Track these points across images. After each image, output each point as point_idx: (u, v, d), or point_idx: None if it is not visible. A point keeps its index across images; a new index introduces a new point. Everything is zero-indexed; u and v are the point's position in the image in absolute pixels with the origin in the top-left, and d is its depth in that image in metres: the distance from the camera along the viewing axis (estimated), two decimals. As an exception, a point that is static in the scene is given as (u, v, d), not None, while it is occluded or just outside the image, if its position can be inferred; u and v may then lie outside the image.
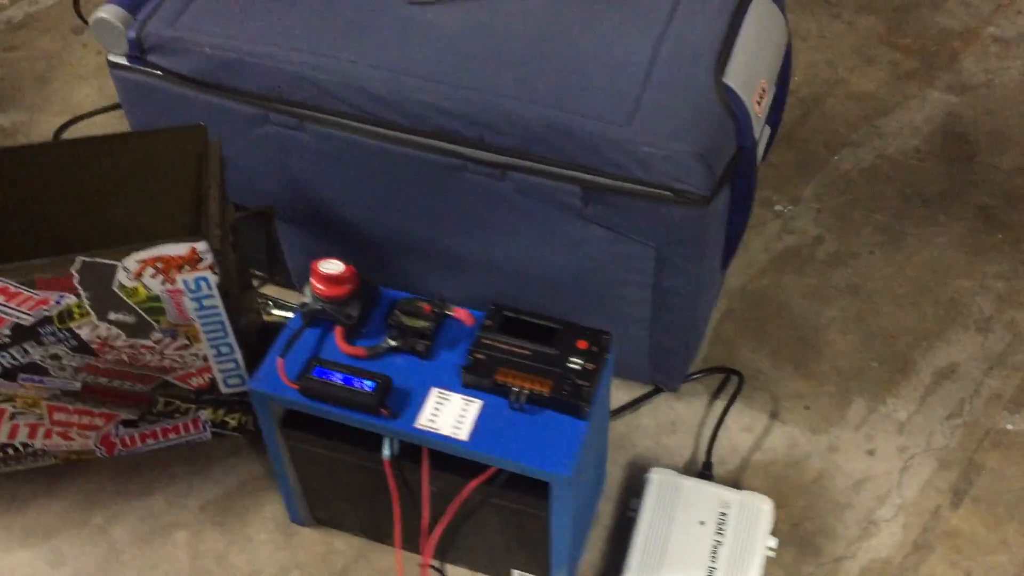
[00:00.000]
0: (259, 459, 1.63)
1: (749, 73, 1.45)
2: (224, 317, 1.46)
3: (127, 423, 1.58)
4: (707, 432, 1.63)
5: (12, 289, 1.34)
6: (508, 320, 1.34)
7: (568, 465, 1.23)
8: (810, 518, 1.54)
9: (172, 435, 1.62)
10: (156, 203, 1.57)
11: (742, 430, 1.64)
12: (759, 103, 1.46)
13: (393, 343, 1.34)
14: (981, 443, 1.62)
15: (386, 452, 1.32)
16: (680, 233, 1.40)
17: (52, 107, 2.20)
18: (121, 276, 1.36)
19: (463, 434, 1.26)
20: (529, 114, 1.38)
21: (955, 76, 2.19)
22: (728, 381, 1.70)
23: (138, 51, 1.52)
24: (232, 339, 1.49)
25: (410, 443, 1.31)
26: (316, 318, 1.37)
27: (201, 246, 1.36)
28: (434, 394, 1.30)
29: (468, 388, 1.31)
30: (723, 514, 1.44)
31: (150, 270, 1.36)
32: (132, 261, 1.35)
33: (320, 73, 1.44)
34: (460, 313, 1.37)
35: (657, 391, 1.68)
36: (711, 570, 1.38)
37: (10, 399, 1.49)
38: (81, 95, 2.21)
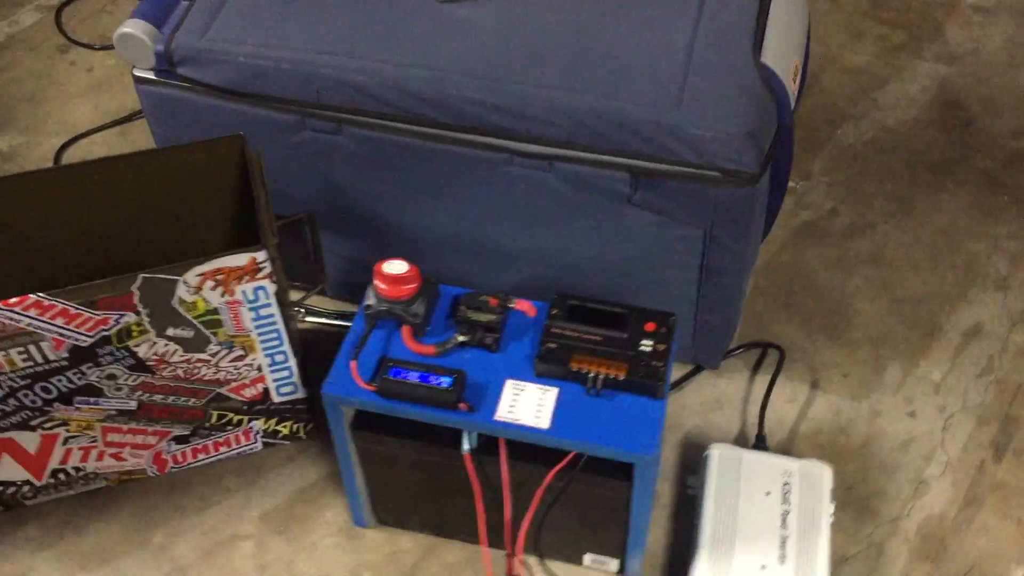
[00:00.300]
0: (313, 465, 1.63)
1: (783, 52, 1.48)
2: (281, 325, 1.46)
3: (179, 439, 1.57)
4: (752, 407, 1.67)
5: (73, 311, 1.32)
6: (574, 308, 1.35)
7: (651, 445, 1.26)
8: (863, 481, 1.58)
9: (224, 448, 1.61)
10: (200, 216, 1.56)
11: (786, 401, 1.67)
12: (794, 80, 1.49)
13: (462, 338, 1.35)
14: (1015, 397, 1.68)
15: (466, 446, 1.33)
16: (729, 213, 1.43)
17: (47, 128, 2.16)
18: (181, 291, 1.35)
19: (544, 422, 1.28)
20: (576, 104, 1.39)
21: (942, 46, 2.26)
22: (766, 355, 1.73)
23: (167, 64, 1.51)
24: (287, 347, 1.49)
25: (486, 436, 1.33)
26: (380, 319, 1.37)
27: (260, 255, 1.36)
28: (509, 385, 1.32)
29: (541, 377, 1.32)
30: (786, 483, 1.47)
31: (210, 283, 1.36)
32: (192, 275, 1.34)
33: (359, 75, 1.44)
34: (523, 305, 1.38)
35: (698, 369, 1.71)
36: (783, 538, 1.41)
37: (64, 423, 1.47)
38: (76, 114, 2.18)
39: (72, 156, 2.09)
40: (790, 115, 1.45)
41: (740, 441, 1.63)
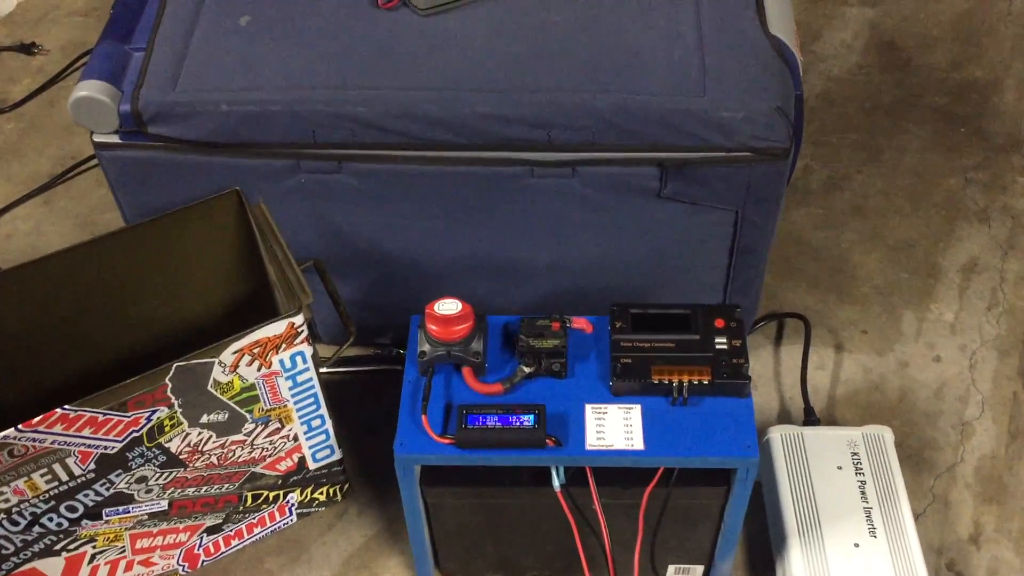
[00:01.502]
0: (356, 528, 1.52)
1: (785, 20, 1.45)
2: (318, 389, 1.34)
3: (211, 529, 1.43)
4: (786, 381, 1.64)
5: (101, 418, 1.18)
6: (638, 317, 1.29)
7: (753, 447, 1.21)
8: (910, 435, 1.58)
9: (257, 529, 1.48)
10: (195, 285, 1.42)
11: (815, 368, 1.66)
12: (799, 48, 1.46)
13: (528, 369, 1.26)
14: (1027, 324, 1.71)
15: (556, 483, 1.25)
16: (761, 191, 1.39)
17: (-44, 209, 1.95)
18: (216, 373, 1.22)
19: (638, 443, 1.21)
20: (598, 104, 1.32)
21: (862, -11, 2.28)
22: (784, 326, 1.71)
23: (135, 125, 1.36)
24: (324, 410, 1.38)
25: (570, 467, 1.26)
26: (433, 365, 1.27)
27: (298, 319, 1.24)
28: (589, 411, 1.24)
29: (620, 396, 1.26)
30: (854, 454, 1.45)
31: (247, 358, 1.23)
32: (228, 354, 1.21)
33: (358, 106, 1.33)
34: (579, 322, 1.31)
35: (724, 352, 1.68)
36: (867, 511, 1.39)
37: (91, 540, 1.32)
38: (-16, 190, 1.97)
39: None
40: (801, 83, 1.42)
41: (784, 418, 1.61)
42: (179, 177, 1.41)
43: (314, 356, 1.30)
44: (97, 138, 1.39)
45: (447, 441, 1.21)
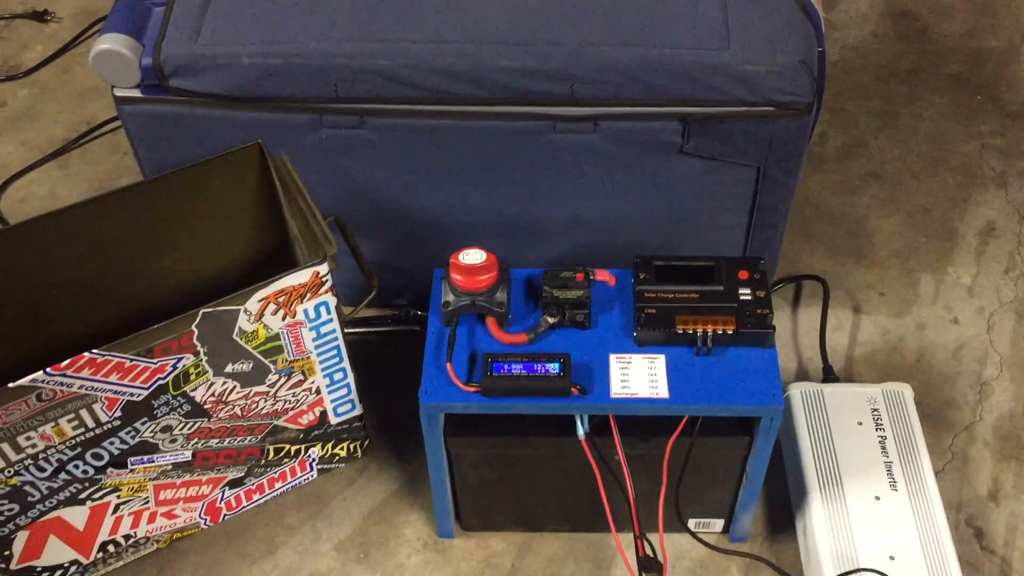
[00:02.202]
0: (376, 483, 1.52)
1: (807, -25, 1.45)
2: (341, 341, 1.35)
3: (232, 483, 1.43)
4: (805, 341, 1.65)
5: (128, 363, 1.18)
6: (661, 269, 1.29)
7: (777, 395, 1.21)
8: (929, 395, 1.58)
9: (279, 484, 1.49)
10: (215, 238, 1.42)
11: (833, 329, 1.66)
12: (821, 4, 1.46)
13: (552, 320, 1.27)
14: (1045, 287, 1.72)
15: (581, 431, 1.26)
16: (784, 146, 1.39)
17: (-29, 174, 1.95)
18: (242, 321, 1.23)
19: (662, 391, 1.22)
20: (622, 57, 1.32)
21: (876, -41, 2.28)
22: (802, 288, 1.72)
23: (157, 78, 1.36)
24: (347, 363, 1.38)
25: (594, 416, 1.26)
26: (457, 315, 1.28)
27: (323, 269, 1.24)
28: (614, 360, 1.25)
29: (643, 346, 1.26)
30: (875, 410, 1.45)
31: (272, 306, 1.24)
32: (253, 302, 1.22)
33: (381, 60, 1.33)
34: (603, 275, 1.31)
35: (742, 314, 1.68)
36: (888, 465, 1.40)
37: (115, 489, 1.32)
38: (3, 154, 1.97)
39: (10, 199, 1.89)
40: (823, 39, 1.42)
41: (802, 377, 1.61)
42: (200, 133, 1.41)
43: (337, 308, 1.30)
44: (118, 92, 1.39)
45: (472, 389, 1.21)
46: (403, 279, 1.61)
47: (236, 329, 1.23)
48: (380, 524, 1.48)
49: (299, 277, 1.23)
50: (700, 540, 1.39)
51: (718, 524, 1.44)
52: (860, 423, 1.44)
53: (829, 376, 1.56)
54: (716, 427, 1.27)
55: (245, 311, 1.22)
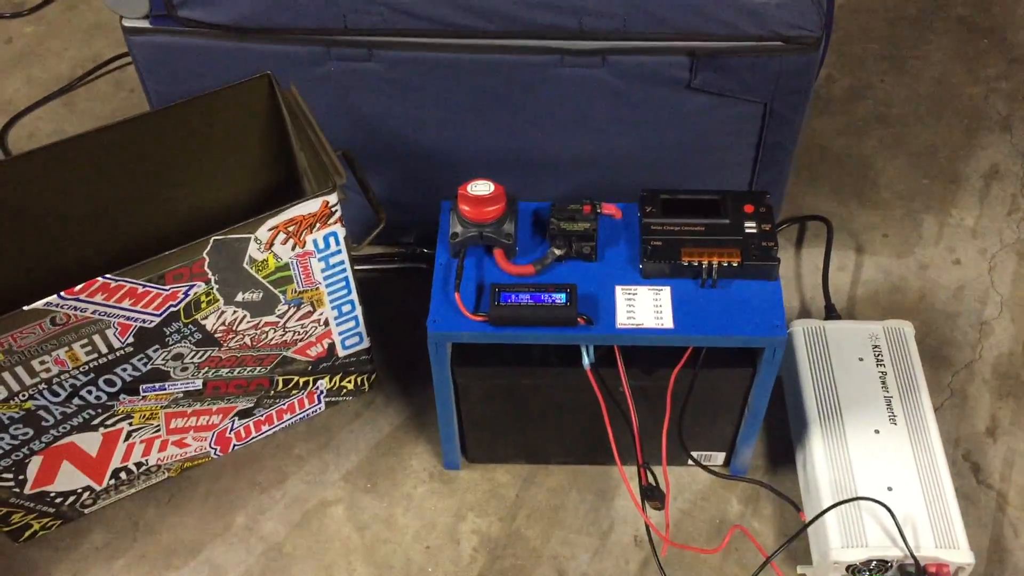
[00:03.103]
0: (383, 417, 1.54)
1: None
2: (349, 272, 1.36)
3: (242, 413, 1.46)
4: (807, 281, 1.66)
5: (140, 289, 1.20)
6: (668, 202, 1.30)
7: (781, 327, 1.23)
8: (929, 334, 1.60)
9: (287, 415, 1.51)
10: (225, 170, 1.43)
11: (837, 270, 1.67)
12: (830, -62, 1.46)
13: (559, 252, 1.28)
14: (1047, 229, 1.73)
15: (587, 361, 1.27)
16: (791, 82, 1.40)
17: (-23, 110, 1.96)
18: (252, 249, 1.24)
19: (667, 322, 1.23)
20: (631, -10, 1.33)
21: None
22: (806, 228, 1.73)
23: (164, 8, 1.36)
24: (355, 295, 1.39)
25: (600, 347, 1.28)
26: (465, 247, 1.29)
27: (332, 199, 1.25)
28: (619, 292, 1.26)
29: (649, 279, 1.27)
30: (876, 346, 1.47)
31: (281, 236, 1.25)
32: (264, 231, 1.23)
33: (390, -9, 1.34)
34: (609, 208, 1.33)
35: (745, 253, 1.69)
36: (888, 400, 1.41)
37: (127, 416, 1.35)
38: (8, 91, 1.97)
39: (17, 135, 1.89)
40: (832, -26, 1.42)
41: (804, 315, 1.62)
42: (208, 64, 1.41)
43: (346, 239, 1.31)
44: (127, 22, 1.39)
45: (480, 318, 1.23)
46: (410, 216, 1.62)
47: (247, 258, 1.24)
48: (387, 456, 1.50)
49: (309, 206, 1.24)
50: (704, 467, 1.41)
51: (719, 457, 1.47)
52: (861, 359, 1.46)
53: (831, 314, 1.58)
54: (720, 359, 1.29)
55: (255, 239, 1.23)
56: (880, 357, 1.46)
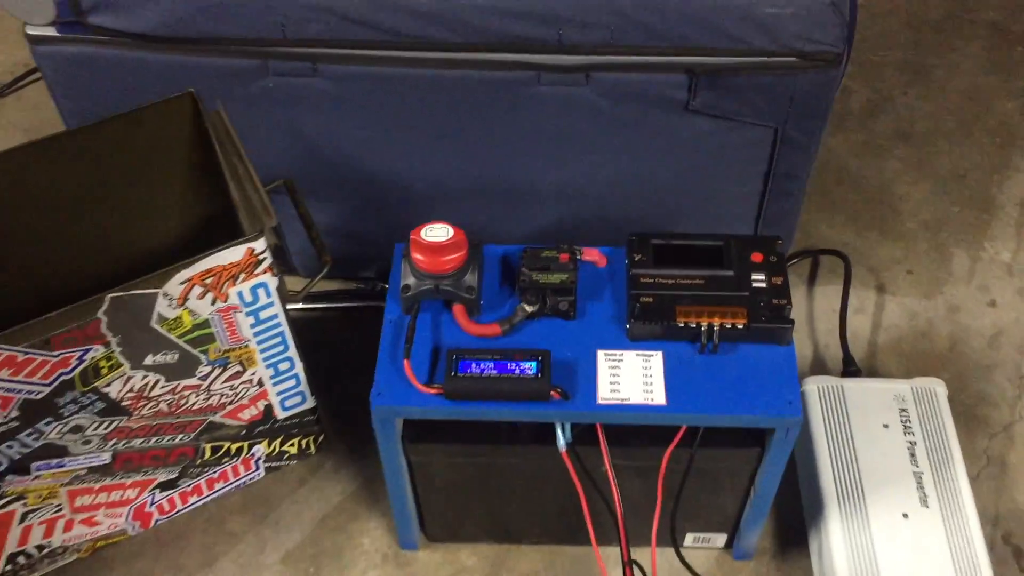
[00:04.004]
0: (332, 485, 1.34)
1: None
2: (286, 328, 1.15)
3: (164, 485, 1.25)
4: (821, 326, 1.46)
5: (21, 357, 0.99)
6: (660, 248, 1.09)
7: (795, 404, 1.02)
8: (962, 389, 1.40)
9: (219, 484, 1.31)
10: (147, 201, 1.22)
11: (854, 312, 1.47)
12: (854, -64, 1.25)
13: (530, 308, 1.07)
14: (1093, 267, 1.52)
15: (562, 442, 1.07)
16: (806, 105, 1.19)
17: None
18: (162, 307, 1.03)
19: (659, 397, 1.03)
20: (620, -5, 1.12)
21: None
22: (819, 264, 1.52)
23: (73, 14, 1.15)
24: (293, 352, 1.19)
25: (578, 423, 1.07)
26: (418, 302, 1.08)
27: (259, 245, 1.04)
28: (602, 358, 1.05)
29: (638, 341, 1.07)
30: (903, 410, 1.27)
31: (198, 290, 1.04)
32: (174, 285, 1.02)
33: (336, -4, 1.13)
34: (591, 254, 1.12)
35: (751, 293, 1.49)
36: (918, 476, 1.21)
37: (20, 497, 1.14)
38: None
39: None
40: (855, -22, 1.21)
41: (818, 368, 1.42)
42: (125, 78, 1.21)
43: (280, 289, 1.11)
44: (31, 30, 1.18)
45: (433, 391, 1.02)
46: (367, 249, 1.42)
47: (155, 316, 1.04)
48: (335, 533, 1.30)
49: (230, 255, 1.03)
50: (690, 570, 1.20)
51: (720, 539, 1.26)
52: (886, 425, 1.26)
53: (850, 368, 1.37)
54: (722, 436, 1.09)
55: (165, 295, 1.02)
56: (908, 424, 1.26)
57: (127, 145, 1.17)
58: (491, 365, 1.02)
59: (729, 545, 1.27)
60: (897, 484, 1.20)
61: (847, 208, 1.59)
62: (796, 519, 1.28)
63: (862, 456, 1.23)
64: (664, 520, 1.15)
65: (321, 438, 1.34)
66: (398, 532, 1.25)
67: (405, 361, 1.04)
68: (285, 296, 1.13)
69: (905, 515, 1.18)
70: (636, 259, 1.09)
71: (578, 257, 1.10)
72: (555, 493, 1.16)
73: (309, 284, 1.17)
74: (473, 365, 1.02)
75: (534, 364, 1.02)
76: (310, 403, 1.27)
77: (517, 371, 1.02)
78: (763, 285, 1.07)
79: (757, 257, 1.09)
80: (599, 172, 1.28)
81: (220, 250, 1.02)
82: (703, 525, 1.24)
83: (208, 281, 1.04)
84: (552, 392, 1.02)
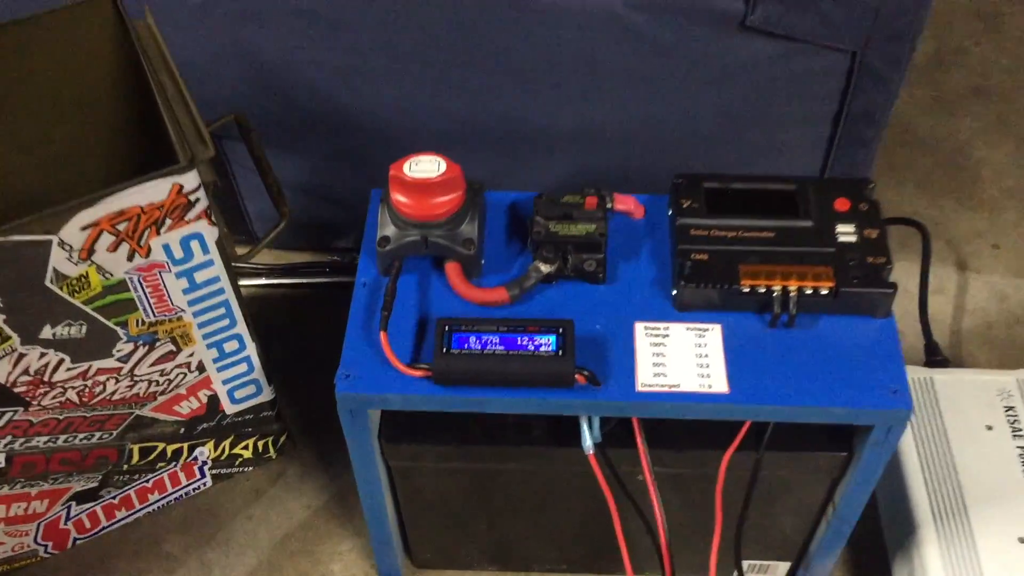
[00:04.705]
0: (296, 497, 1.08)
1: None
2: (232, 295, 0.90)
3: (82, 496, 0.99)
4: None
5: None
6: (714, 194, 0.84)
7: (902, 392, 0.77)
8: (1068, 386, 1.14)
9: (154, 495, 1.05)
10: (90, 129, 0.97)
11: (934, 293, 1.22)
12: None
13: (546, 268, 0.82)
14: None
15: (588, 441, 0.81)
16: (894, 23, 0.95)
17: None
18: (58, 259, 0.78)
19: (719, 383, 0.77)
20: None
21: None
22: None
23: None
24: (243, 326, 0.93)
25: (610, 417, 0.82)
26: (400, 259, 0.83)
27: (189, 180, 0.79)
28: (642, 333, 0.80)
29: (687, 311, 0.81)
30: (1008, 408, 1.01)
31: (107, 239, 0.79)
32: (74, 230, 0.77)
33: None
34: (624, 202, 0.87)
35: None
36: (1033, 491, 0.96)
37: None
38: None
39: None
40: None
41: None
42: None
43: (221, 243, 0.85)
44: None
45: (419, 373, 0.77)
46: (341, 212, 1.18)
47: (49, 272, 0.78)
48: (298, 556, 1.04)
49: (149, 192, 0.78)
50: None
51: (781, 569, 1.01)
52: (990, 427, 1.00)
53: (935, 358, 1.12)
54: (793, 437, 0.83)
55: (62, 245, 0.77)
56: (1017, 425, 1.00)
57: (36, 56, 0.91)
58: (495, 339, 0.77)
59: (792, 573, 1.01)
60: (1009, 500, 0.95)
61: (916, 172, 1.34)
62: (875, 550, 1.02)
63: (962, 465, 0.98)
64: (723, 542, 0.89)
65: (283, 440, 1.08)
66: (376, 556, 0.99)
67: (382, 333, 0.78)
68: (230, 255, 0.88)
69: (1022, 539, 0.93)
70: (684, 205, 0.83)
71: (609, 205, 0.85)
72: (576, 509, 0.92)
73: (264, 240, 0.92)
74: (471, 339, 0.77)
75: (553, 339, 0.77)
76: (267, 394, 1.01)
77: (531, 347, 0.76)
78: (853, 239, 0.82)
79: (842, 204, 0.84)
80: (629, 110, 1.03)
81: (135, 184, 0.76)
82: (761, 551, 0.98)
83: (121, 228, 0.78)
84: (577, 376, 0.76)
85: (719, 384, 0.77)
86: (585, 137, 1.05)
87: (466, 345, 0.76)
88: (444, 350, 0.76)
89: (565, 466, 0.85)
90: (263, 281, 1.24)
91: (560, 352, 0.76)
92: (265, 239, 0.92)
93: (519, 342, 0.77)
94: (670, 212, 0.85)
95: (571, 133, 1.05)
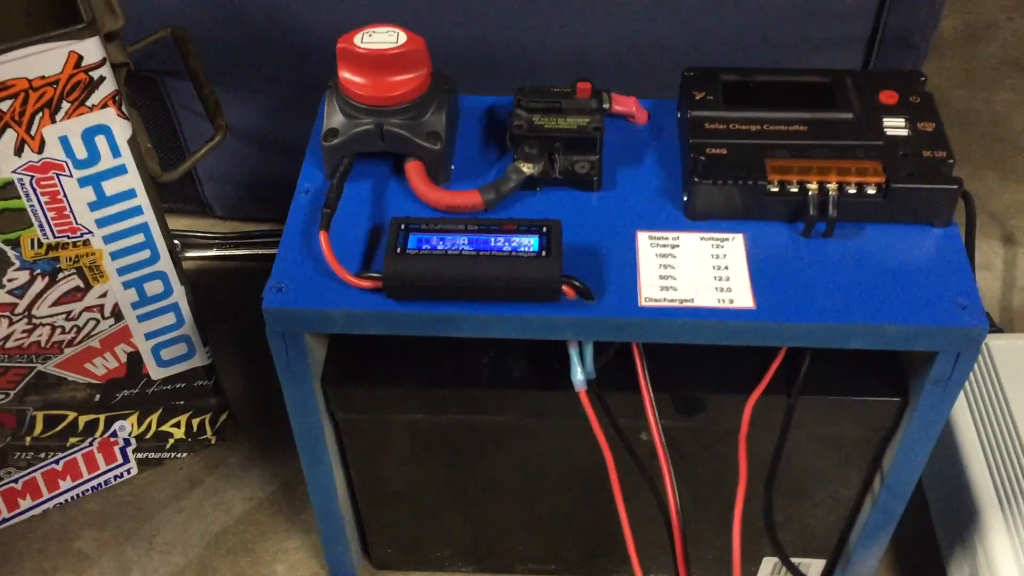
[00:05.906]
0: (236, 487, 0.92)
1: None
2: (151, 215, 0.75)
3: (-23, 478, 0.83)
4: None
5: None
6: (733, 87, 0.69)
7: (973, 307, 0.61)
8: None
9: (66, 482, 0.88)
10: None
11: (979, 268, 1.07)
12: None
13: (529, 169, 0.67)
14: None
15: (579, 375, 0.65)
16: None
17: None
18: (-77, 140, 0.63)
19: (741, 298, 0.62)
20: None
21: None
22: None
23: None
24: (168, 262, 0.78)
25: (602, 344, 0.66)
26: (350, 156, 0.68)
27: (91, 50, 0.64)
28: (645, 242, 0.65)
29: (701, 218, 0.66)
30: (1080, 378, 0.85)
31: (-14, 118, 0.64)
32: (-58, 100, 0.62)
33: None
34: (623, 103, 0.72)
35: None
36: (1118, 469, 0.79)
37: None
38: None
39: None
40: None
41: (933, 336, 1.01)
42: None
43: (135, 144, 0.70)
44: None
45: (367, 284, 0.61)
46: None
47: (-87, 159, 0.63)
48: (234, 555, 0.87)
49: (39, 60, 0.63)
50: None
51: (815, 567, 0.83)
52: (1058, 399, 0.84)
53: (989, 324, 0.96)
54: (835, 376, 0.67)
55: (-74, 120, 0.62)
56: (1090, 396, 0.84)
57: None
58: (463, 240, 0.61)
59: (829, 573, 0.84)
60: (1090, 480, 0.79)
61: (956, 145, 1.19)
62: (925, 545, 0.85)
63: (1028, 439, 0.81)
64: (750, 519, 0.72)
65: (223, 419, 0.92)
66: (327, 553, 0.82)
67: (322, 234, 0.63)
68: (150, 170, 0.73)
69: (1108, 526, 0.76)
70: (696, 97, 0.69)
71: (606, 104, 0.70)
72: (568, 483, 0.75)
73: (195, 155, 0.77)
74: (434, 239, 0.61)
75: (535, 239, 0.61)
76: (201, 358, 0.85)
77: (507, 248, 0.61)
78: (904, 132, 0.67)
79: (889, 97, 0.69)
80: (627, 29, 0.89)
81: (18, 47, 0.62)
82: (789, 542, 0.81)
83: (4, 107, 0.63)
84: (565, 287, 0.60)
85: (743, 298, 0.61)
86: (575, 61, 0.91)
87: (428, 244, 0.61)
88: (398, 251, 0.61)
89: (553, 419, 0.69)
90: (215, 252, 1.10)
91: (543, 253, 0.61)
92: (197, 153, 0.77)
93: (492, 243, 0.61)
94: (681, 108, 0.70)
95: (559, 56, 0.91)
